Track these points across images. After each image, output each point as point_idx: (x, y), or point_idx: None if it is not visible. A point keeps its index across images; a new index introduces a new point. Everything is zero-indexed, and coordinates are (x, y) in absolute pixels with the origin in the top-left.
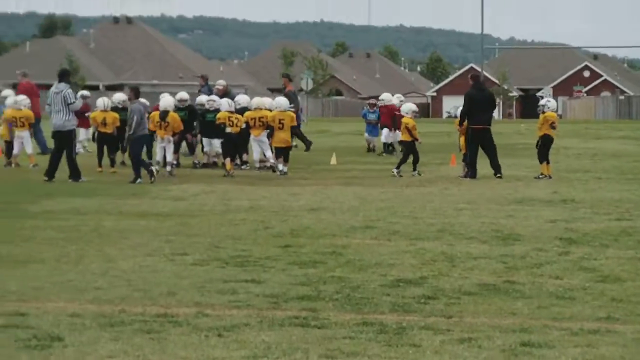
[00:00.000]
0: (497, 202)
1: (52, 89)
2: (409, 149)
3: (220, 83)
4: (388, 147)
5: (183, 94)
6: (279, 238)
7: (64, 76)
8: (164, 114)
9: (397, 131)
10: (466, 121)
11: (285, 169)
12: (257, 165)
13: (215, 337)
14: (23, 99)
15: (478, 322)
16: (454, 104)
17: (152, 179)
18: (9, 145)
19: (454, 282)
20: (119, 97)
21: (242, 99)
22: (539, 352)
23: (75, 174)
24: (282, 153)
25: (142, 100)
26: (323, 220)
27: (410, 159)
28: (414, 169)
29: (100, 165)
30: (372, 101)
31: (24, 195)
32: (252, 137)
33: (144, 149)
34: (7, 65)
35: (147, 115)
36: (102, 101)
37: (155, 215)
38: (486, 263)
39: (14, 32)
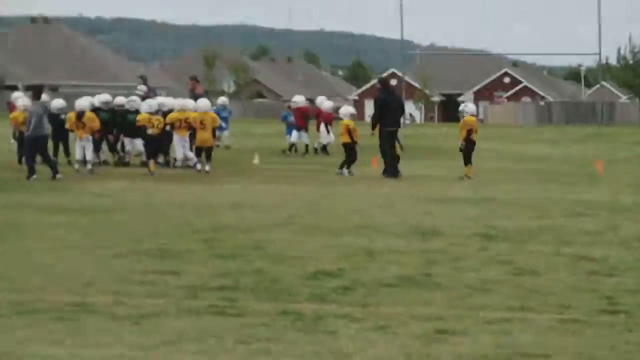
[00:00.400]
0: (418, 201)
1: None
2: (350, 150)
3: (141, 89)
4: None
5: (106, 97)
6: (200, 233)
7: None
8: (80, 114)
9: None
10: (378, 125)
11: (208, 168)
12: (180, 164)
13: (131, 324)
14: None
15: (395, 311)
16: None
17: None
18: None
19: (372, 274)
20: (104, 97)
21: (166, 101)
22: (454, 339)
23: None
24: (204, 152)
25: (43, 99)
26: (245, 217)
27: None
28: (348, 167)
29: (20, 162)
30: (289, 104)
31: None
32: (176, 137)
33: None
34: None
35: (46, 115)
36: (22, 102)
37: (76, 211)
38: (405, 257)
39: None
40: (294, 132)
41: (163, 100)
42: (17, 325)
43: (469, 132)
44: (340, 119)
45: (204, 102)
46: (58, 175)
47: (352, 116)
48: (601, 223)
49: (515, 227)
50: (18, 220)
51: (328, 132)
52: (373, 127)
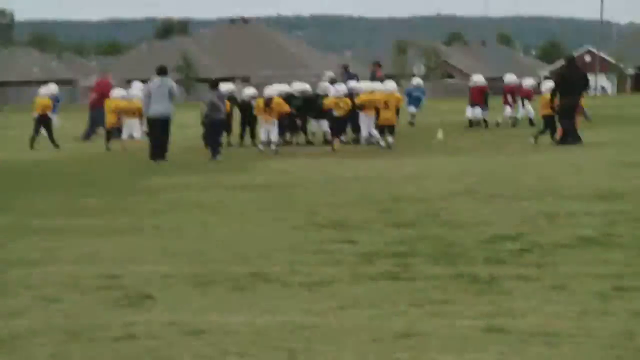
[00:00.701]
0: (604, 165)
1: (155, 81)
2: (550, 121)
3: (329, 75)
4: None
5: (302, 85)
6: (379, 204)
7: (164, 71)
8: (269, 100)
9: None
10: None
11: (391, 140)
12: (364, 141)
13: (305, 291)
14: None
15: (572, 270)
16: None
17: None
18: (110, 132)
19: (550, 236)
20: (300, 86)
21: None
22: (631, 295)
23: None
24: (388, 130)
25: (222, 89)
26: (424, 188)
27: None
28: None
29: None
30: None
31: (129, 174)
32: (362, 115)
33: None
34: (124, 64)
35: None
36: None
37: (256, 187)
38: (586, 219)
39: (134, 36)
40: (469, 108)
41: (355, 85)
42: (194, 296)
43: None
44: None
45: (390, 84)
46: (218, 157)
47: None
48: None
49: None
50: (199, 198)
51: (523, 106)
52: (551, 101)
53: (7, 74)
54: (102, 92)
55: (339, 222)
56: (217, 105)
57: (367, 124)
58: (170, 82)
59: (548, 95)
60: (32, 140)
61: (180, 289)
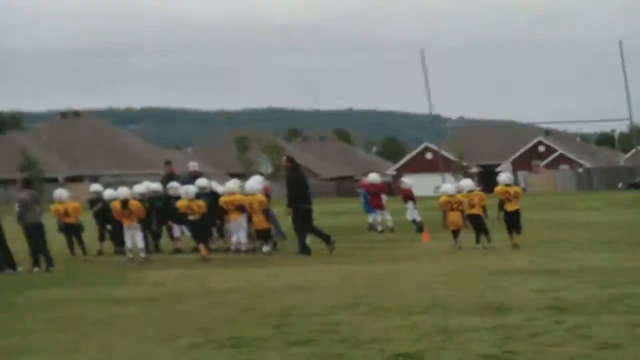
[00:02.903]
0: (479, 274)
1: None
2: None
3: (193, 165)
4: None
5: (154, 185)
6: (269, 318)
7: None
8: (125, 203)
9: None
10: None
11: (269, 249)
12: (233, 248)
13: None
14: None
15: None
16: (416, 182)
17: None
18: None
19: (453, 355)
20: (141, 188)
21: (202, 182)
22: None
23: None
24: (263, 235)
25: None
26: (310, 300)
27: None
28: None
29: (72, 253)
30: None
31: (3, 287)
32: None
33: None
34: None
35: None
36: (59, 193)
37: (140, 301)
38: (481, 335)
39: None
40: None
41: (205, 184)
42: None
43: (501, 202)
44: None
45: (254, 182)
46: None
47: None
48: None
49: (584, 297)
50: (84, 314)
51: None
52: (290, 206)
53: None
54: None
55: (235, 339)
56: (30, 208)
57: (236, 229)
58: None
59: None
60: None
61: None
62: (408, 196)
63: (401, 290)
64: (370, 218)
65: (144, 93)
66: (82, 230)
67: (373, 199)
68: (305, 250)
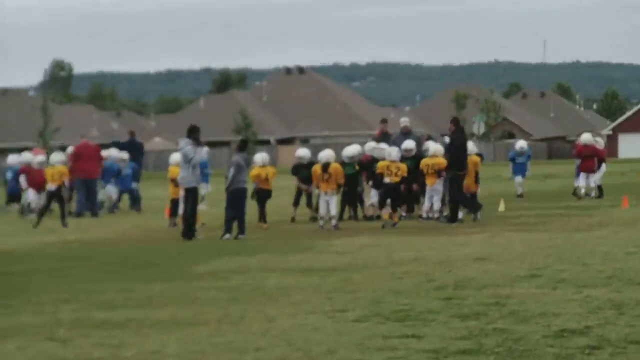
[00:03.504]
0: None
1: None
2: None
3: (404, 120)
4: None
5: (354, 149)
6: (442, 290)
7: (190, 132)
8: (326, 166)
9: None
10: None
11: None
12: (424, 215)
13: None
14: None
15: None
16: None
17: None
18: (176, 204)
19: (620, 331)
20: (351, 151)
21: (409, 144)
22: None
23: (188, 231)
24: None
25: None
26: (487, 271)
27: None
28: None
29: (264, 220)
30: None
31: (189, 255)
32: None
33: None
34: (182, 122)
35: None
36: (261, 157)
37: (318, 271)
38: None
39: (190, 89)
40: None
41: (412, 146)
42: None
43: None
44: None
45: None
46: (226, 236)
47: None
48: None
49: None
50: (261, 284)
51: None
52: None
53: (65, 135)
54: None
55: (402, 312)
56: (243, 172)
57: (431, 194)
58: (185, 144)
59: None
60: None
61: None
62: (602, 157)
63: (583, 262)
64: (581, 182)
65: (368, 47)
66: (270, 198)
67: (584, 161)
68: (455, 219)
